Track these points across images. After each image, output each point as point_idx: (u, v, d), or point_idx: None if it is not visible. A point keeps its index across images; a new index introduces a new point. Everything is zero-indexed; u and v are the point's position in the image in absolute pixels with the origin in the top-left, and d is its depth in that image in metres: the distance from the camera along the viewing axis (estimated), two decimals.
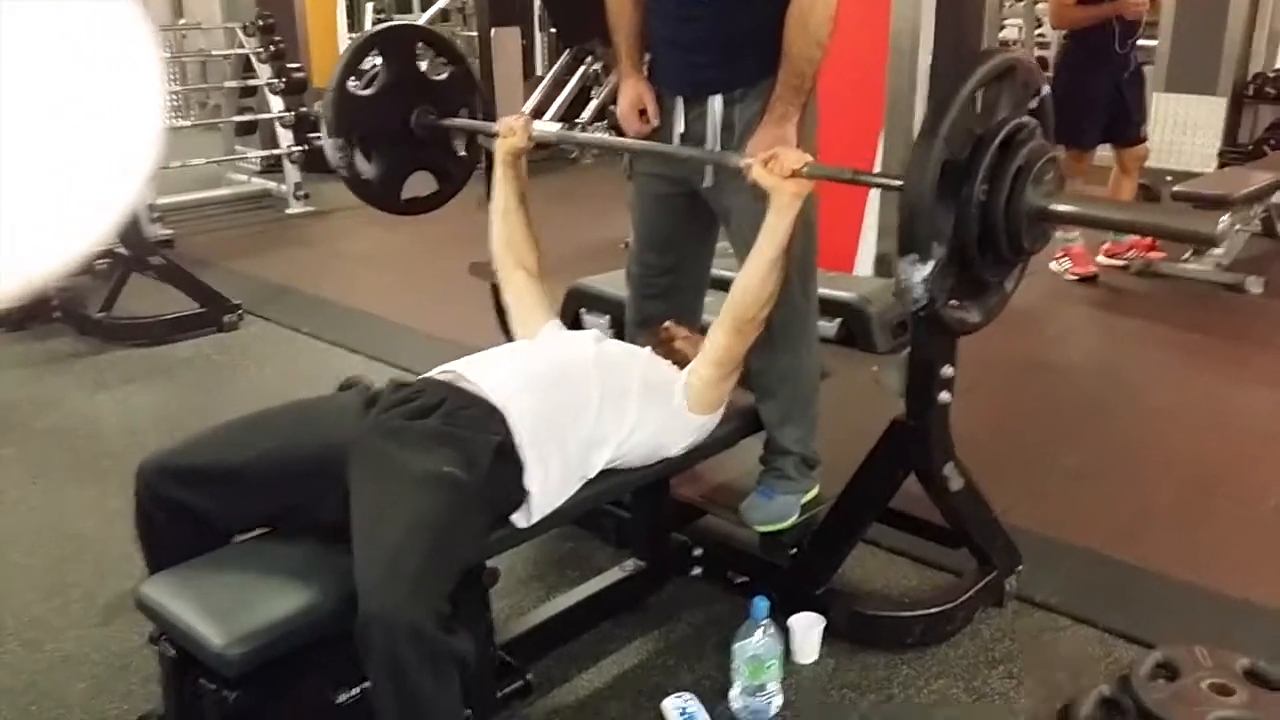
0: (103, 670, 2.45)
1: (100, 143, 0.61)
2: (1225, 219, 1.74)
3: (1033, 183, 1.89)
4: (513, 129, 2.61)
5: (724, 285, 2.84)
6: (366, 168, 2.82)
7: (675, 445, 2.31)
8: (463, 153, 2.96)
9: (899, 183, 1.89)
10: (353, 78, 2.77)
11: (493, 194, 2.63)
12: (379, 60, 2.79)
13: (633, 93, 2.59)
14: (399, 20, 11.09)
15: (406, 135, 2.82)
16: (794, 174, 2.12)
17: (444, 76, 2.91)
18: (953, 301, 1.97)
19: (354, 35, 11.30)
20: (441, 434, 1.96)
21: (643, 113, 2.59)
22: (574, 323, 3.63)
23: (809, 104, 2.42)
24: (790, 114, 2.32)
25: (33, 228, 0.59)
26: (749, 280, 2.24)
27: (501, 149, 2.62)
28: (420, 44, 2.92)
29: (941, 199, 1.83)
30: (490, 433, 1.99)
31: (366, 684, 1.83)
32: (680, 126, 2.50)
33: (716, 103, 2.42)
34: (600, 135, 2.63)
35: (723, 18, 2.35)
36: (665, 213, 2.63)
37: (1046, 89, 2.06)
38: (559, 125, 7.90)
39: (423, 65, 2.96)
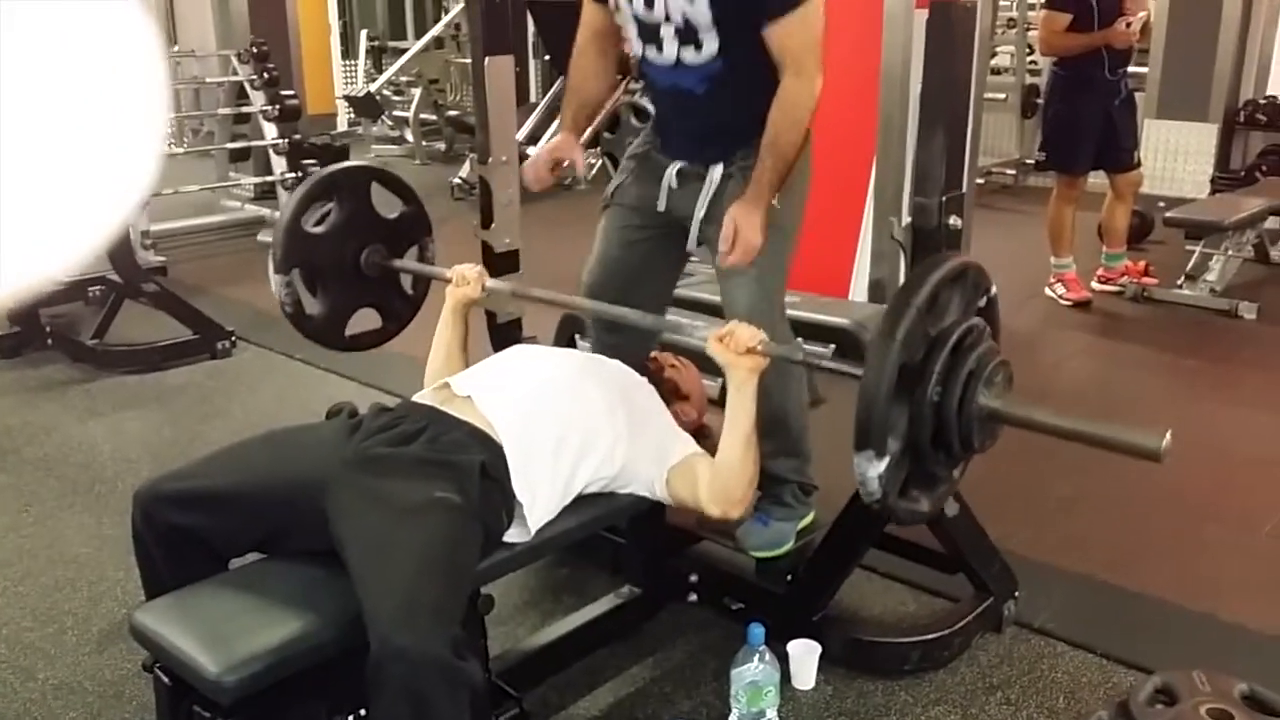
0: (96, 699, 2.43)
1: (97, 156, 0.61)
2: (1168, 435, 1.76)
3: (984, 385, 1.92)
4: (466, 279, 2.56)
5: (688, 304, 2.84)
6: (311, 303, 2.75)
7: (647, 492, 2.28)
8: (410, 290, 2.91)
9: (857, 372, 1.91)
10: (305, 215, 2.69)
11: (436, 338, 2.59)
12: (332, 199, 2.72)
13: (556, 147, 2.58)
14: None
15: (355, 273, 2.76)
16: (749, 351, 2.10)
17: (396, 215, 2.84)
18: (905, 494, 2.00)
19: (348, 62, 11.37)
20: (427, 461, 1.98)
21: (556, 167, 2.61)
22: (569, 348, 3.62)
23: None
24: (766, 197, 2.30)
25: (21, 238, 0.59)
26: (729, 463, 2.17)
27: (453, 297, 2.58)
28: (375, 183, 2.82)
29: (897, 399, 1.86)
30: (473, 454, 2.01)
31: (362, 711, 1.84)
32: (674, 182, 2.54)
33: (717, 172, 2.45)
34: (556, 294, 2.63)
35: (718, 106, 2.37)
36: (640, 244, 2.64)
37: (994, 290, 2.08)
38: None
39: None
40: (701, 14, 2.29)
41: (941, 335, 1.90)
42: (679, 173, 2.53)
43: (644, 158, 2.63)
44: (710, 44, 2.33)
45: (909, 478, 1.98)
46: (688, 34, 2.35)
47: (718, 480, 2.18)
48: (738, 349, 2.10)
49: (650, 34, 2.41)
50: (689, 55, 2.37)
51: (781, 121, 2.28)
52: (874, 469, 1.85)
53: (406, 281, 2.91)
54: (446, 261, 2.76)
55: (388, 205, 2.84)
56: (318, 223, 2.73)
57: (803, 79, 2.27)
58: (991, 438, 2.00)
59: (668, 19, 2.35)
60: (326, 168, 2.81)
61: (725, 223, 2.29)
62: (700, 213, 2.49)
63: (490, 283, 2.61)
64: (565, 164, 2.61)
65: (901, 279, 3.00)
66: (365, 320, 2.89)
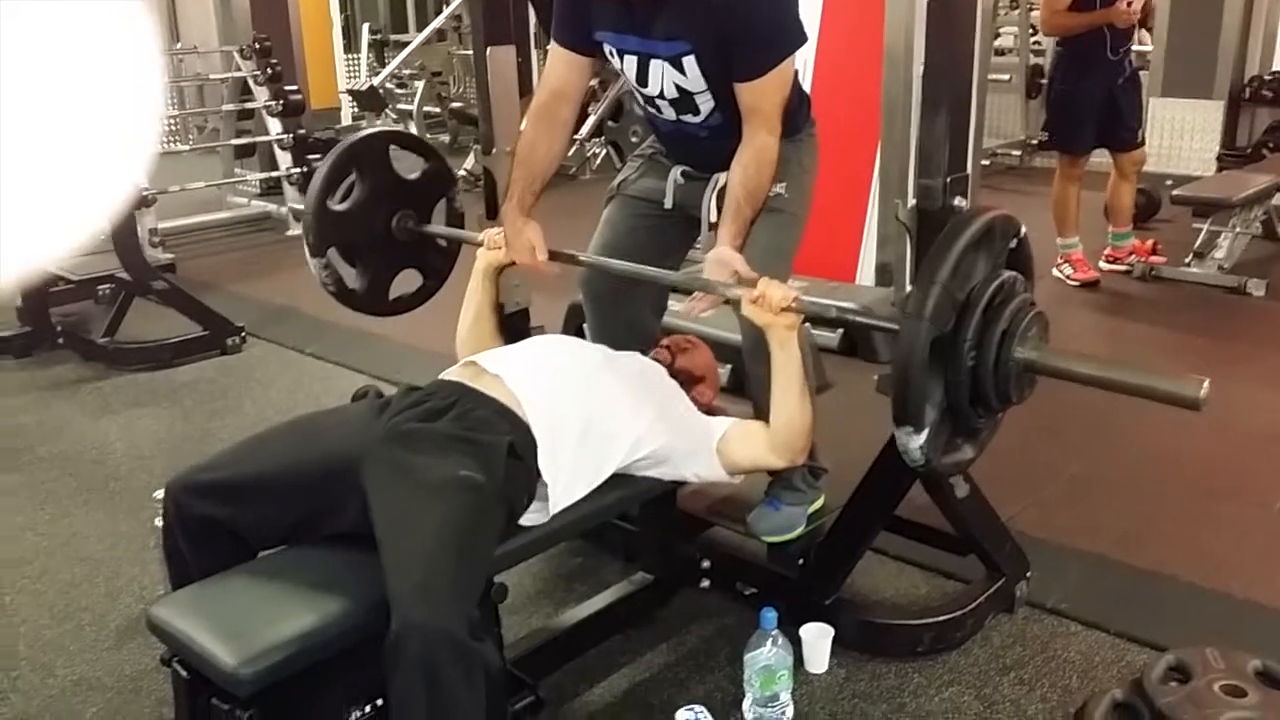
0: (115, 694, 2.45)
1: (95, 145, 0.62)
2: (1206, 384, 1.76)
3: (1018, 342, 1.94)
4: (497, 243, 2.57)
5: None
6: (351, 276, 2.79)
7: (686, 473, 2.33)
8: (445, 244, 2.94)
9: (894, 326, 1.94)
10: (330, 195, 2.71)
11: (466, 299, 2.61)
12: (355, 172, 2.74)
13: (524, 240, 2.49)
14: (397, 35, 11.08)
15: (389, 240, 2.79)
16: (784, 309, 2.12)
17: (418, 175, 2.86)
18: (948, 448, 2.03)
19: (350, 56, 11.35)
20: (455, 437, 2.01)
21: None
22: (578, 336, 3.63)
23: (806, 145, 2.53)
24: (741, 236, 2.32)
25: (23, 222, 0.59)
26: (788, 412, 2.22)
27: (483, 260, 2.60)
28: (393, 146, 2.84)
29: (931, 370, 1.89)
30: (501, 433, 2.03)
31: (379, 701, 1.84)
32: (679, 179, 2.58)
33: (721, 177, 2.45)
34: (593, 257, 2.61)
35: (721, 144, 2.38)
36: (644, 230, 2.65)
37: (1024, 230, 2.09)
38: None
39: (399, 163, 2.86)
40: (694, 83, 2.34)
41: (971, 298, 1.92)
42: (684, 174, 2.59)
43: (650, 158, 2.69)
44: (706, 105, 2.39)
45: (950, 435, 2.01)
46: (684, 103, 2.40)
47: (779, 434, 2.25)
48: (773, 309, 2.13)
49: (648, 100, 2.46)
50: (688, 118, 2.43)
51: (757, 176, 2.31)
52: (915, 441, 1.90)
53: (440, 239, 2.93)
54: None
55: (408, 165, 2.86)
56: (344, 197, 2.75)
57: (773, 136, 2.31)
58: (1030, 387, 2.03)
59: (662, 95, 2.40)
60: (341, 141, 2.81)
61: (712, 266, 2.29)
62: (707, 206, 2.52)
63: None
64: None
65: (908, 263, 3.00)
66: (406, 282, 2.94)
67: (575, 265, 2.61)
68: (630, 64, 2.39)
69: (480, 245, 2.62)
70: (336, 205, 2.73)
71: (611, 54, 2.41)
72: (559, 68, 2.49)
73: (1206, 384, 1.76)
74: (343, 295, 2.79)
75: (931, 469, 2.02)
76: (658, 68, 2.35)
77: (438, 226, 2.89)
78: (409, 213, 2.82)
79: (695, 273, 2.41)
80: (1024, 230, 2.09)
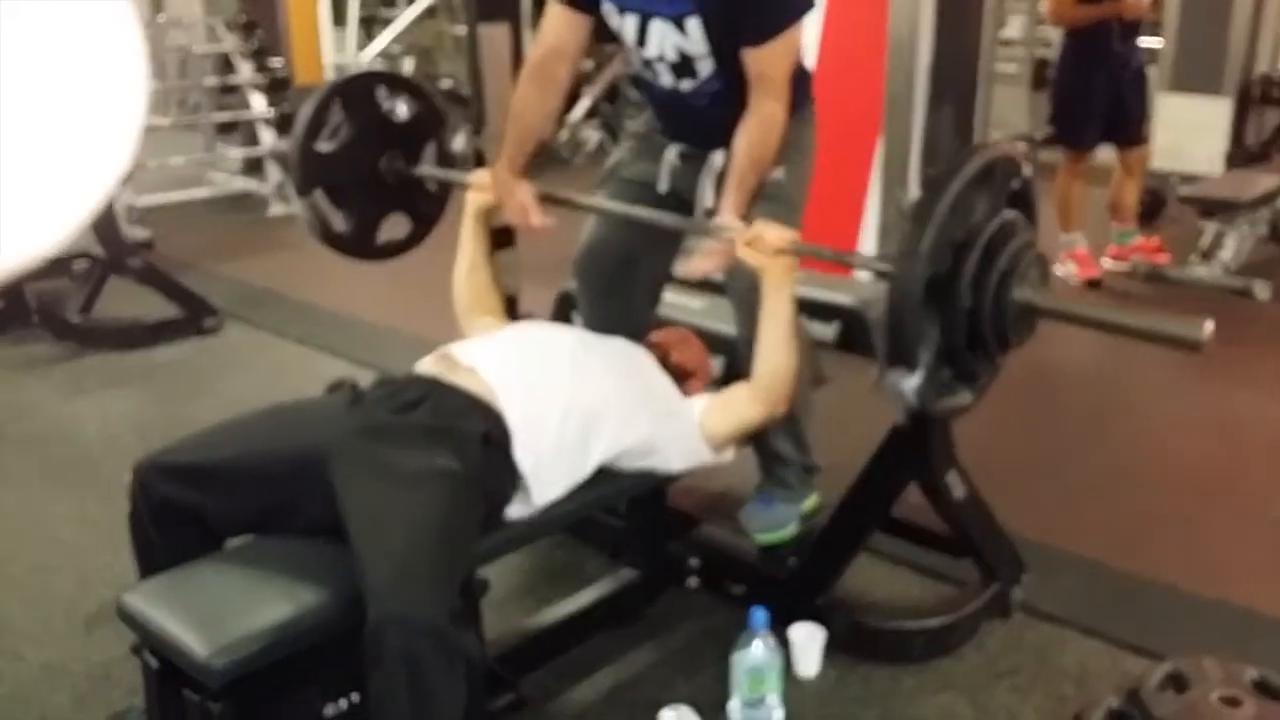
0: (84, 681, 2.40)
1: (81, 132, 0.59)
2: (1210, 325, 1.74)
3: (1018, 282, 1.89)
4: (487, 185, 2.53)
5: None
6: (338, 219, 2.74)
7: (674, 461, 2.28)
8: (434, 188, 2.87)
9: (889, 268, 1.89)
10: (316, 135, 2.67)
11: (460, 247, 2.57)
12: (341, 112, 2.69)
13: (516, 200, 2.47)
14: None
15: (376, 182, 2.74)
16: (779, 252, 2.09)
17: (408, 116, 2.81)
18: (944, 392, 2.00)
19: (338, 30, 11.26)
20: (428, 428, 1.98)
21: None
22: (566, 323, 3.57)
23: (806, 125, 2.46)
24: (745, 205, 2.28)
25: (12, 212, 0.56)
26: (775, 364, 2.18)
27: (473, 203, 2.56)
28: (381, 87, 2.79)
29: (927, 311, 1.84)
30: (475, 423, 2.00)
31: (355, 696, 1.81)
32: (675, 160, 2.52)
33: (718, 157, 2.41)
34: (585, 197, 2.57)
35: (718, 114, 2.33)
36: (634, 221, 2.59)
37: (1027, 170, 2.04)
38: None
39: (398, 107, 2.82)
40: (695, 45, 2.28)
41: (970, 238, 1.87)
42: (680, 154, 2.52)
43: (645, 137, 2.62)
44: (705, 69, 2.32)
45: (946, 379, 1.97)
46: (683, 67, 2.33)
47: (761, 380, 2.20)
48: (767, 252, 2.09)
49: (646, 64, 2.40)
50: (686, 84, 2.37)
51: (761, 144, 2.27)
52: (908, 383, 1.87)
53: (430, 182, 2.87)
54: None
55: (396, 106, 2.81)
56: (331, 137, 2.69)
57: (780, 104, 2.27)
58: (1029, 330, 1.98)
59: (661, 58, 2.33)
60: (326, 83, 2.76)
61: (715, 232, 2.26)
62: (703, 191, 2.47)
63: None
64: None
65: None
66: (395, 227, 2.88)
67: (570, 209, 2.55)
68: (630, 23, 2.32)
69: (468, 188, 2.58)
70: (323, 146, 2.67)
71: (610, 12, 2.34)
72: (557, 25, 2.42)
73: (1209, 325, 1.73)
74: (329, 238, 2.73)
75: (926, 413, 1.98)
76: (658, 28, 2.27)
77: (427, 168, 2.83)
78: (397, 154, 2.75)
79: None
80: (1028, 170, 2.04)
